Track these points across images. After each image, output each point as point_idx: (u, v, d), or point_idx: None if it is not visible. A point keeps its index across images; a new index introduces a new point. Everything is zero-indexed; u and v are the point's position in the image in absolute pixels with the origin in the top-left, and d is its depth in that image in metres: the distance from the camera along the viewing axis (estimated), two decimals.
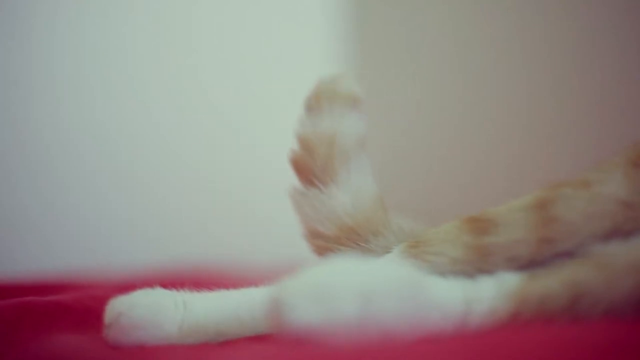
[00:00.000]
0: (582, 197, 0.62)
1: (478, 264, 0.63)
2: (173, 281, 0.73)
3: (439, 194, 1.71)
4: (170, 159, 1.73)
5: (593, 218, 0.62)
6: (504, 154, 1.65)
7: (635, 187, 0.62)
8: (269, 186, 1.84)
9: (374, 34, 1.92)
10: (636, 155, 0.64)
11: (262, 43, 1.87)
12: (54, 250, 1.53)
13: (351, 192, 0.72)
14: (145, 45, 1.72)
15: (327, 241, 0.71)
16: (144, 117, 1.71)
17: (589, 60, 1.53)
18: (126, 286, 0.71)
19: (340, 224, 0.71)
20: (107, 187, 1.64)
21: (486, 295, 0.60)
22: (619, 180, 0.63)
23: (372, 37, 1.92)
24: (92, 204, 1.61)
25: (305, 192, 0.72)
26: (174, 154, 1.73)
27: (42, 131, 1.56)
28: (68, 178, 1.59)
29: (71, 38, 1.62)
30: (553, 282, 0.59)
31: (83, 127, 1.62)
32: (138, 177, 1.69)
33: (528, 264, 0.62)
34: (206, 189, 1.75)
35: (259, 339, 0.69)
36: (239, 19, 1.86)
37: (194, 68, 1.79)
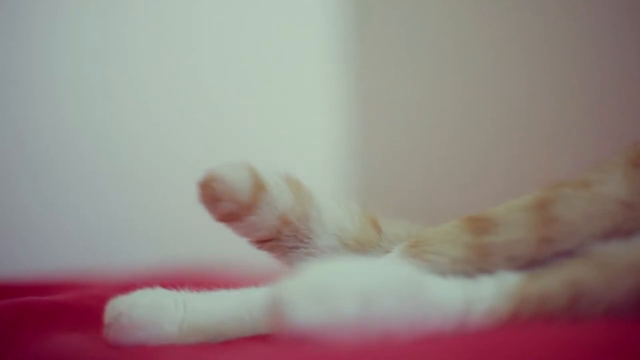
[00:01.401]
0: (582, 197, 0.62)
1: (478, 263, 0.63)
2: (173, 281, 0.73)
3: (439, 194, 1.71)
4: (170, 158, 1.73)
5: (593, 218, 0.62)
6: (504, 154, 1.65)
7: (635, 187, 0.62)
8: None
9: (374, 34, 1.92)
10: (636, 155, 0.64)
11: (262, 43, 1.87)
12: (54, 250, 1.53)
13: (331, 234, 0.72)
14: (145, 45, 1.72)
15: None
16: (144, 117, 1.71)
17: (589, 60, 1.53)
18: (126, 286, 0.71)
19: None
20: (107, 187, 1.64)
21: (486, 295, 0.60)
22: (619, 180, 0.63)
23: (372, 37, 1.92)
24: (92, 204, 1.61)
25: (289, 252, 0.72)
26: (174, 154, 1.73)
27: (42, 131, 1.56)
28: (68, 178, 1.59)
29: (71, 38, 1.62)
30: (553, 282, 0.59)
31: (83, 127, 1.62)
32: (138, 177, 1.69)
33: (528, 264, 0.62)
34: None
35: (259, 339, 0.68)
36: (239, 19, 1.86)
37: (194, 68, 1.79)
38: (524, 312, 0.58)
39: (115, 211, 1.64)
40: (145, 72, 1.71)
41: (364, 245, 0.71)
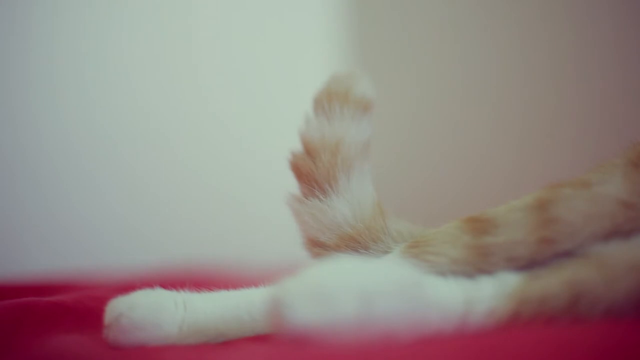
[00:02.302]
0: (582, 197, 0.62)
1: (478, 264, 0.63)
2: (173, 281, 0.73)
3: (439, 194, 1.71)
4: (170, 159, 1.73)
5: (593, 218, 0.62)
6: (504, 154, 1.65)
7: (635, 188, 0.62)
8: (268, 186, 1.84)
9: (374, 34, 1.92)
10: (636, 155, 0.64)
11: (262, 43, 1.87)
12: (54, 250, 1.53)
13: (352, 201, 0.71)
14: (145, 45, 1.72)
15: (327, 249, 0.71)
16: (144, 117, 1.71)
17: (589, 60, 1.53)
18: (126, 286, 0.71)
19: (341, 233, 0.71)
20: (107, 187, 1.64)
21: (486, 296, 0.60)
22: (619, 181, 0.63)
23: (372, 37, 1.92)
24: (92, 204, 1.61)
25: (304, 200, 0.72)
26: (173, 155, 1.73)
27: (42, 131, 1.56)
28: (68, 178, 1.59)
29: (71, 38, 1.62)
30: (553, 282, 0.59)
31: (83, 127, 1.61)
32: (138, 178, 1.69)
33: (528, 264, 0.62)
34: (206, 189, 1.75)
35: (259, 339, 0.68)
36: (239, 19, 1.86)
37: (194, 69, 1.79)
38: (524, 312, 0.58)
39: (115, 211, 1.64)
40: (146, 73, 1.71)
41: (369, 232, 0.71)
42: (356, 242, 0.71)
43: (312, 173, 0.71)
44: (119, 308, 0.67)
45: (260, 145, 1.83)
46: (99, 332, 0.68)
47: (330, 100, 0.71)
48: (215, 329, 0.69)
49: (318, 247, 0.72)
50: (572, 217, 0.62)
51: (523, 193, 0.65)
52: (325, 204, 0.71)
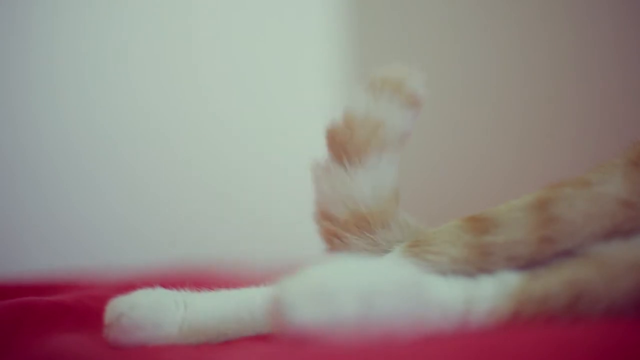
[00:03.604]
0: (582, 197, 0.62)
1: (478, 263, 0.63)
2: (173, 281, 0.73)
3: (439, 194, 1.71)
4: (170, 159, 1.73)
5: (593, 218, 0.62)
6: (504, 154, 1.65)
7: (635, 187, 0.62)
8: (268, 186, 1.84)
9: (374, 34, 1.92)
10: (636, 155, 0.64)
11: (262, 43, 1.87)
12: (54, 250, 1.53)
13: (374, 181, 0.71)
14: (145, 45, 1.72)
15: (335, 225, 0.71)
16: (144, 117, 1.71)
17: (589, 60, 1.53)
18: (126, 286, 0.71)
19: (354, 210, 0.71)
20: (107, 187, 1.64)
21: (486, 295, 0.59)
22: (619, 180, 0.63)
23: (372, 37, 1.92)
24: (92, 204, 1.61)
25: (328, 168, 0.72)
26: (174, 155, 1.73)
27: (42, 131, 1.56)
28: (68, 178, 1.59)
29: (71, 38, 1.62)
30: (553, 282, 0.59)
31: (83, 127, 1.62)
32: (138, 178, 1.69)
33: (528, 264, 0.62)
34: (206, 189, 1.75)
35: (259, 339, 0.68)
36: (239, 19, 1.86)
37: (194, 69, 1.79)
38: (525, 312, 0.58)
39: (115, 211, 1.64)
40: (146, 73, 1.71)
41: (381, 215, 0.71)
42: (366, 223, 0.71)
43: (346, 142, 0.71)
44: (119, 308, 0.67)
45: (260, 145, 1.83)
46: (99, 332, 0.68)
47: (384, 84, 0.72)
48: (215, 328, 0.69)
49: (328, 220, 0.71)
50: (572, 216, 0.62)
51: (523, 193, 0.65)
52: (348, 176, 0.71)
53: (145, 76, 1.71)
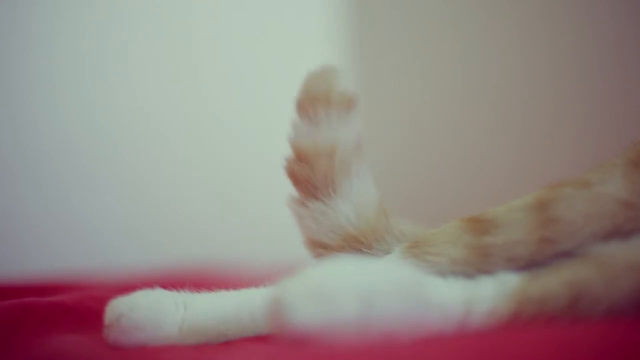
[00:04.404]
0: (582, 197, 0.62)
1: (478, 264, 0.63)
2: (173, 282, 0.73)
3: (439, 194, 1.71)
4: (170, 159, 1.73)
5: (593, 218, 0.62)
6: (504, 154, 1.65)
7: (635, 188, 0.62)
8: (268, 186, 1.84)
9: (374, 34, 1.92)
10: (636, 155, 0.64)
11: (262, 43, 1.87)
12: (54, 250, 1.53)
13: (354, 203, 0.70)
14: (145, 45, 1.72)
15: (329, 250, 0.71)
16: (144, 117, 1.71)
17: (589, 60, 1.53)
18: (126, 287, 0.71)
19: (344, 234, 0.71)
20: (107, 187, 1.64)
21: (486, 296, 0.59)
22: (619, 181, 0.63)
23: (372, 37, 1.92)
24: (92, 204, 1.61)
25: (305, 203, 0.71)
26: (173, 155, 1.73)
27: (42, 131, 1.56)
28: (68, 178, 1.59)
29: (71, 38, 1.62)
30: (553, 282, 0.59)
31: (83, 127, 1.62)
32: (138, 178, 1.69)
33: (528, 264, 0.62)
34: (206, 189, 1.75)
35: (259, 339, 0.68)
36: (239, 19, 1.86)
37: (194, 69, 1.78)
38: (524, 312, 0.58)
39: (115, 211, 1.64)
40: (146, 73, 1.71)
41: (373, 232, 0.71)
42: (360, 243, 0.70)
43: (310, 179, 0.70)
44: (119, 308, 0.67)
45: (260, 145, 1.83)
46: (99, 332, 0.68)
47: (313, 104, 0.70)
48: (215, 329, 0.69)
49: (320, 248, 0.71)
50: (572, 216, 0.62)
51: (523, 193, 0.65)
52: (327, 207, 0.70)
53: (145, 76, 1.71)
